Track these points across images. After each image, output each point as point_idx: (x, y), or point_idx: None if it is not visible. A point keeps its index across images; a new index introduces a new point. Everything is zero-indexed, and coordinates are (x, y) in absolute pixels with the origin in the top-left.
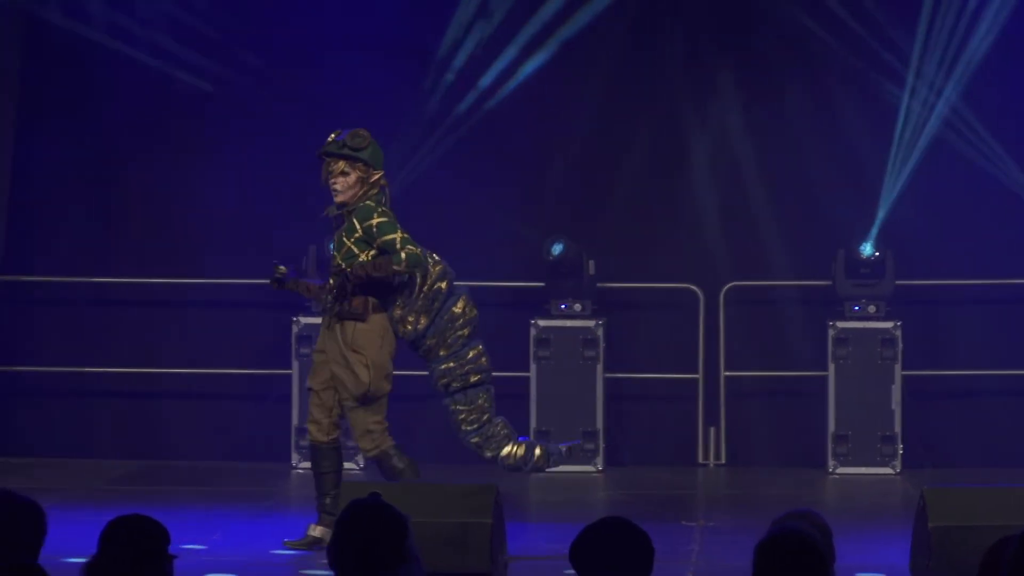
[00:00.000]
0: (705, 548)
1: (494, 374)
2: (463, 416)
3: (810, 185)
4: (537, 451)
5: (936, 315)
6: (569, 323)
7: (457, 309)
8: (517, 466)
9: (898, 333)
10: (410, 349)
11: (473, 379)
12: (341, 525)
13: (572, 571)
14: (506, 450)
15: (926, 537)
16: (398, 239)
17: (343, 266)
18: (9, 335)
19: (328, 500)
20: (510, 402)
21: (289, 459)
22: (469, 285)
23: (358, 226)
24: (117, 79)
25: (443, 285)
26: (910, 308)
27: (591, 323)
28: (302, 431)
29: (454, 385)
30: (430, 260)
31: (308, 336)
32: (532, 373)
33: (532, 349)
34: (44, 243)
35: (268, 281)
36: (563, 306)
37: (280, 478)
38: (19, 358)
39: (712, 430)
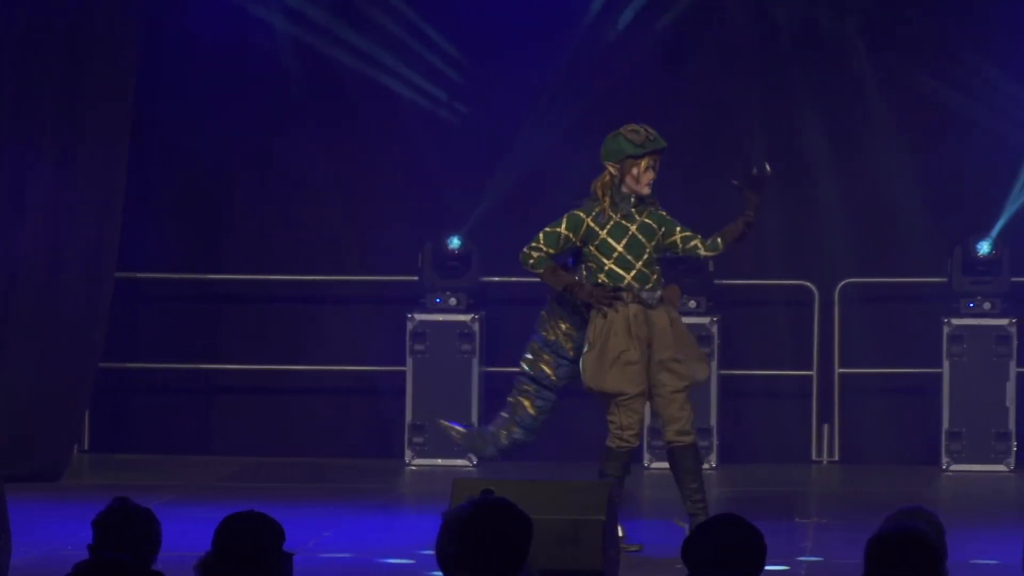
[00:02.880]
0: (818, 545)
1: None
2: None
3: (925, 182)
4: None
5: None
6: (684, 320)
7: None
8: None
9: (1013, 330)
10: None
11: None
12: (465, 525)
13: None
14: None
15: None
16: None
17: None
18: (122, 332)
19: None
20: None
21: (403, 455)
22: None
23: (665, 218)
24: (230, 77)
25: None
26: None
27: (706, 320)
28: (416, 428)
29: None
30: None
31: (422, 333)
32: None
33: None
34: (159, 240)
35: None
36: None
37: (393, 475)
38: (133, 355)
39: (826, 427)
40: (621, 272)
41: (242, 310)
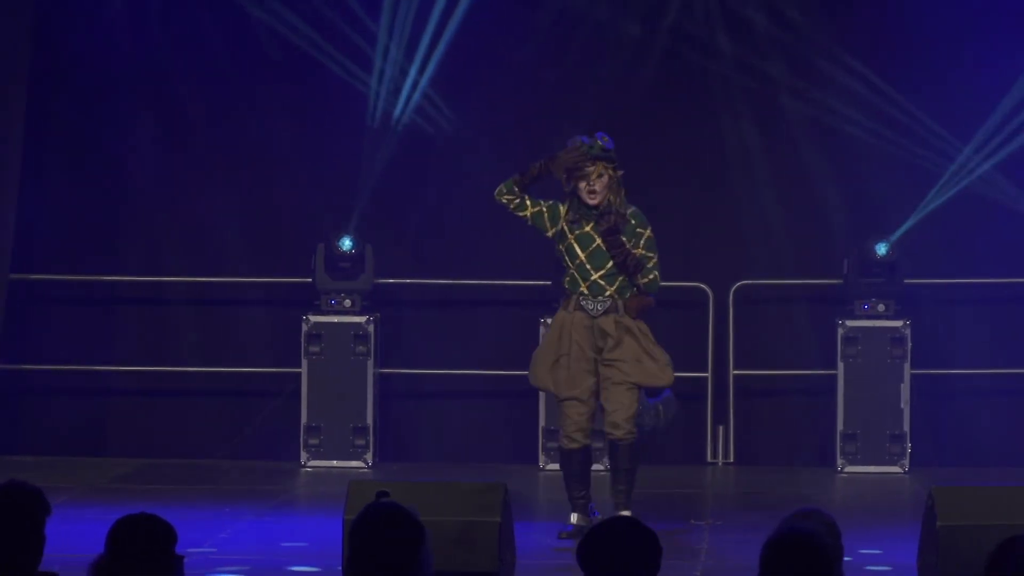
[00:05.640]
0: (713, 547)
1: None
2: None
3: (821, 183)
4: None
5: (945, 314)
6: None
7: None
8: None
9: (907, 332)
10: None
11: None
12: (356, 530)
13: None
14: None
15: (934, 536)
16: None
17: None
18: (16, 333)
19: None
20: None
21: (298, 457)
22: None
23: (636, 228)
24: (124, 76)
25: None
26: (919, 307)
27: None
28: (311, 429)
29: None
30: None
31: (317, 335)
32: None
33: None
34: (52, 241)
35: None
36: None
37: (289, 477)
38: (26, 356)
39: (721, 429)
40: (579, 279)
41: (136, 312)
